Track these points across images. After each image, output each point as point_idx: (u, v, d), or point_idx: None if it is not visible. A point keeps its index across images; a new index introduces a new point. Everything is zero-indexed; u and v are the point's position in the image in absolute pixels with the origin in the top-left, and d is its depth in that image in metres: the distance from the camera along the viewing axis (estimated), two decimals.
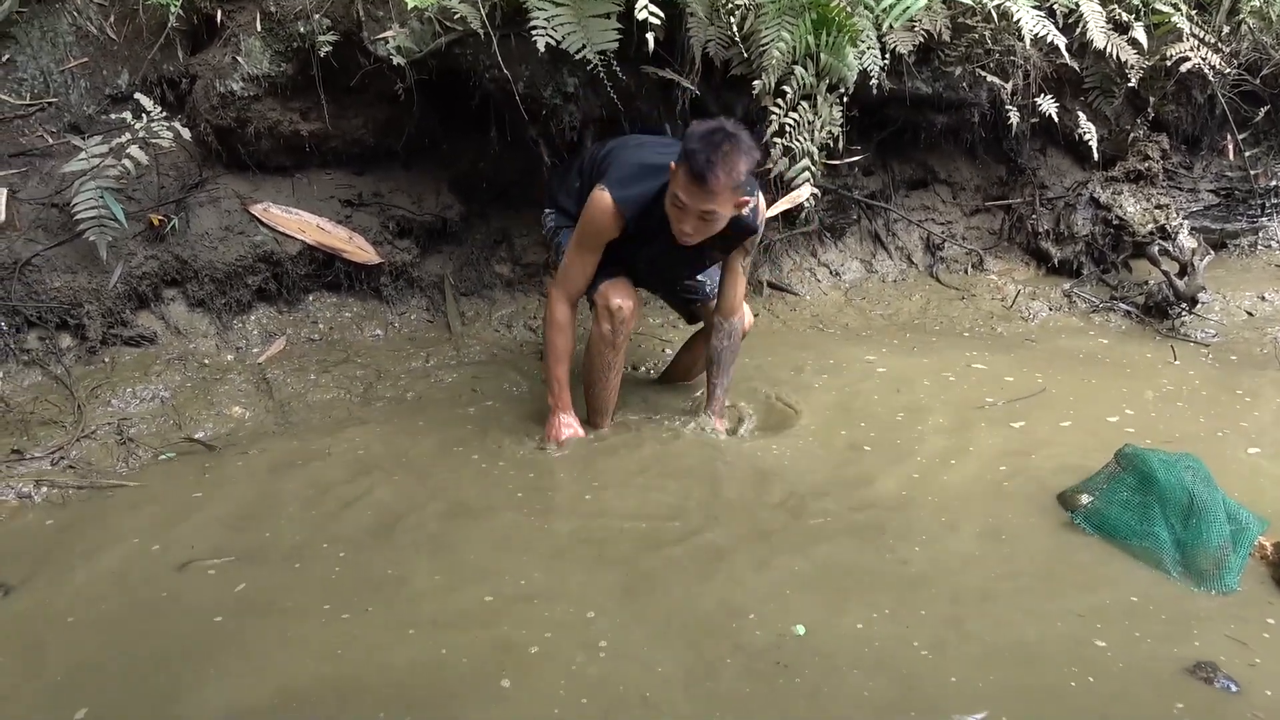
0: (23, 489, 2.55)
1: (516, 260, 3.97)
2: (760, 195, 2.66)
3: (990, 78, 4.00)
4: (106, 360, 3.10)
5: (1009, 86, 4.06)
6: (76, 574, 2.18)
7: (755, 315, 3.93)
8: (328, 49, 3.19)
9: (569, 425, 2.81)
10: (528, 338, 3.72)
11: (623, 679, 1.76)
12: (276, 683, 1.77)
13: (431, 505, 2.44)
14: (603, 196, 2.57)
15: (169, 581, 2.14)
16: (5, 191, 3.12)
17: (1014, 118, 4.05)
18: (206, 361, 3.20)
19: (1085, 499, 2.36)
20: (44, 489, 2.57)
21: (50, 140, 3.34)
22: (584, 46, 3.06)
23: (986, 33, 3.96)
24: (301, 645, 1.89)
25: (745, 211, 2.57)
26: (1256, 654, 1.82)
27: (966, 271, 4.38)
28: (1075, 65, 4.14)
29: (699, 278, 2.98)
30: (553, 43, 3.01)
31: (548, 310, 2.76)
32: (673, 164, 2.47)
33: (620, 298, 2.71)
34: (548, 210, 3.07)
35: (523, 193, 3.96)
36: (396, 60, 3.18)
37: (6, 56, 3.39)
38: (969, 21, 3.93)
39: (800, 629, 1.90)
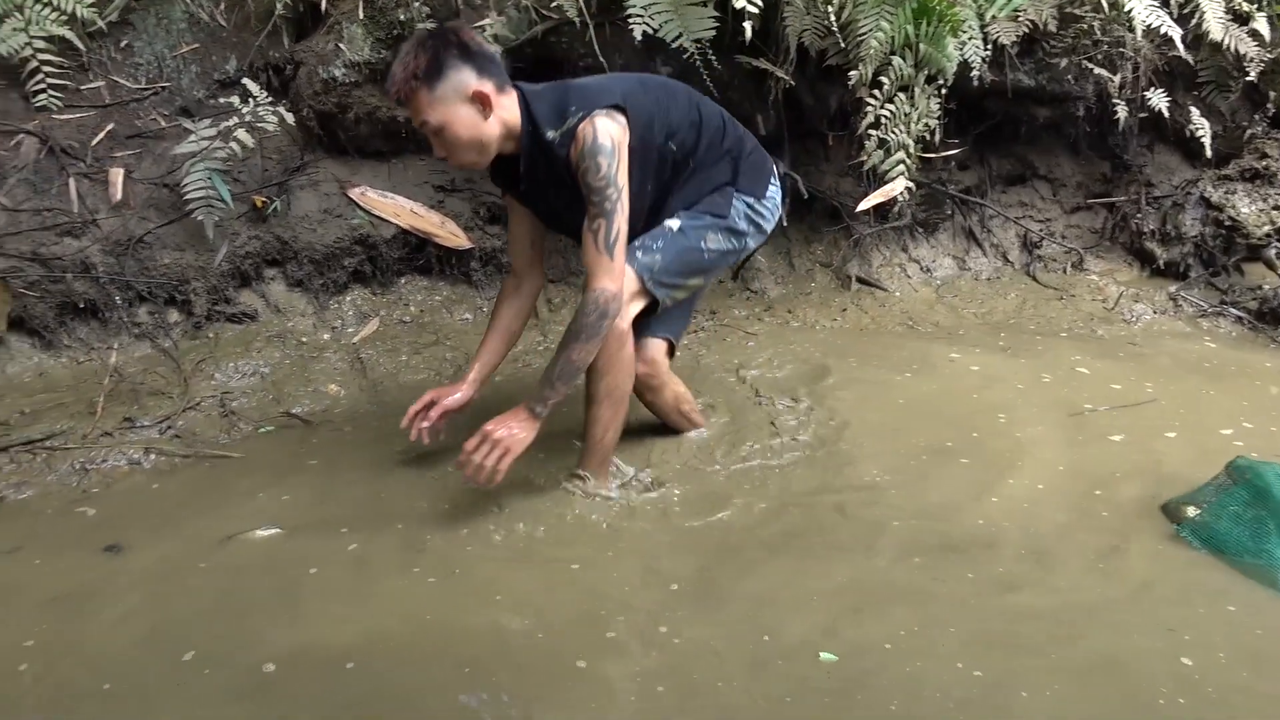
0: (133, 455, 2.67)
1: None
2: (595, 117, 2.10)
3: (1097, 70, 3.86)
4: (210, 335, 3.22)
5: (1117, 79, 3.91)
6: (183, 534, 2.27)
7: (843, 310, 3.89)
8: None
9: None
10: None
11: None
12: (361, 630, 1.86)
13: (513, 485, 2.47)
14: None
15: (268, 544, 2.21)
16: (122, 171, 3.26)
17: (1121, 112, 3.90)
18: (304, 340, 3.30)
19: (1192, 511, 2.26)
20: (152, 456, 2.68)
21: (163, 123, 3.48)
22: (680, 35, 3.05)
23: (1095, 23, 3.82)
24: (389, 600, 1.98)
25: (539, 120, 2.16)
26: None
27: (1065, 271, 4.24)
28: (1189, 58, 3.97)
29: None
30: (649, 31, 3.01)
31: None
32: None
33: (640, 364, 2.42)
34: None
35: None
36: (493, 48, 3.21)
37: (125, 42, 3.54)
38: (1077, 11, 3.80)
39: (830, 656, 1.79)
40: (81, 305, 3.08)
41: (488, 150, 2.20)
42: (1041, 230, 4.36)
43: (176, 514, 2.37)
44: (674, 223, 2.35)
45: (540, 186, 2.29)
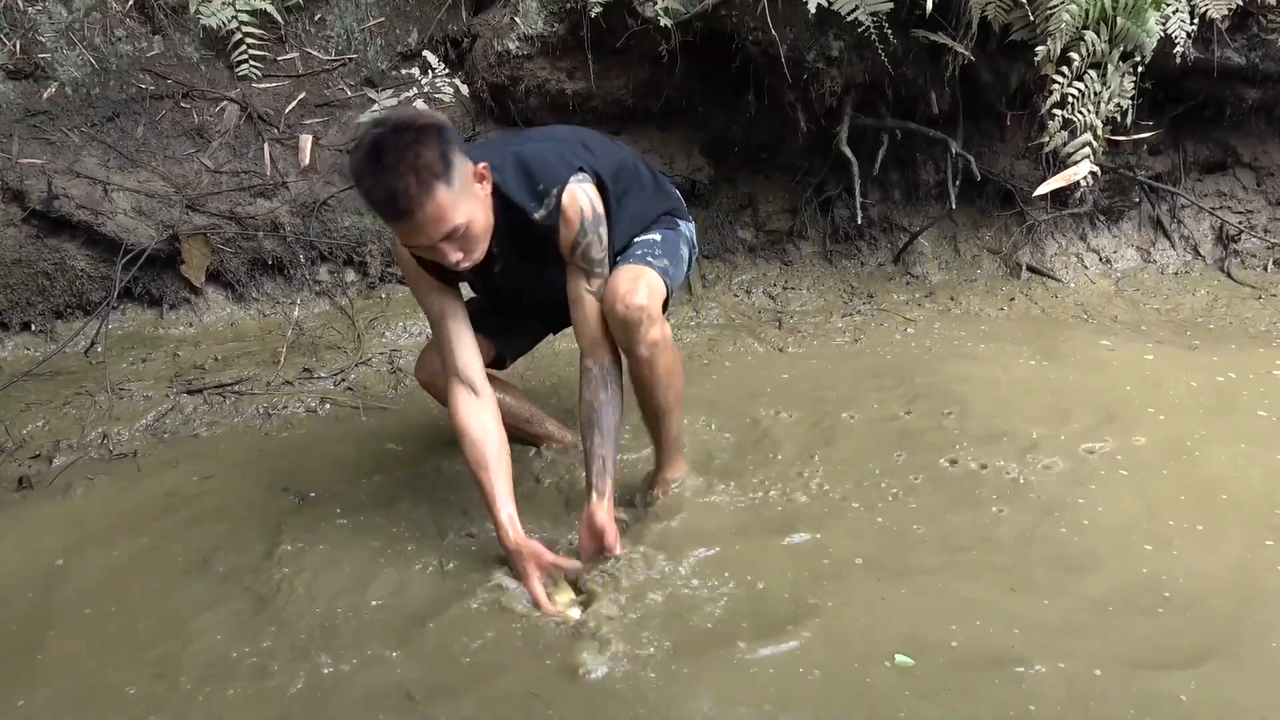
0: (310, 404, 2.86)
1: (760, 226, 3.94)
2: (575, 189, 1.92)
3: None
4: (383, 296, 3.39)
5: None
6: (362, 484, 2.41)
7: (1011, 300, 3.70)
8: (598, 10, 3.28)
9: (531, 556, 1.92)
10: (766, 304, 3.70)
11: None
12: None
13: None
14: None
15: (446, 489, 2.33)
16: (310, 138, 3.48)
17: None
18: None
19: None
20: (327, 405, 2.86)
21: (349, 93, 3.67)
22: (856, 8, 2.97)
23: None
24: None
25: (518, 199, 1.89)
26: None
27: (1266, 268, 3.88)
28: None
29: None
30: (824, 4, 2.94)
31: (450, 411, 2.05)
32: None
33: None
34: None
35: (772, 158, 3.92)
36: (663, 21, 3.22)
37: (318, 16, 3.75)
38: None
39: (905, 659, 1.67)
40: (269, 262, 3.31)
41: (489, 234, 1.86)
42: (1241, 223, 4.00)
43: (355, 465, 2.52)
44: (653, 235, 2.16)
45: (517, 265, 2.03)
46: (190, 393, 2.85)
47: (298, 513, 2.27)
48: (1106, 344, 3.19)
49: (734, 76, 3.54)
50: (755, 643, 1.72)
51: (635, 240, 2.14)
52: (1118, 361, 3.04)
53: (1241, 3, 3.34)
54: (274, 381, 2.92)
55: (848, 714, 1.58)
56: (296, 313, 3.26)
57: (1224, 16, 3.33)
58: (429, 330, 3.22)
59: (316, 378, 2.97)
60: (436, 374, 2.14)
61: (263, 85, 3.58)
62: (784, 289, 3.77)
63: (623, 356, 2.06)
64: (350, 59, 3.76)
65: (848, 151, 3.59)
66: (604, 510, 1.95)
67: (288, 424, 2.76)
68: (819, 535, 2.07)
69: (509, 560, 1.94)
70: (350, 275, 3.42)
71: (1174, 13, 3.18)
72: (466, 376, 2.01)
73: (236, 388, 2.89)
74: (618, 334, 2.01)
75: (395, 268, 3.43)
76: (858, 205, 3.66)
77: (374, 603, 1.92)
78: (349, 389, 2.95)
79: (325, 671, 1.71)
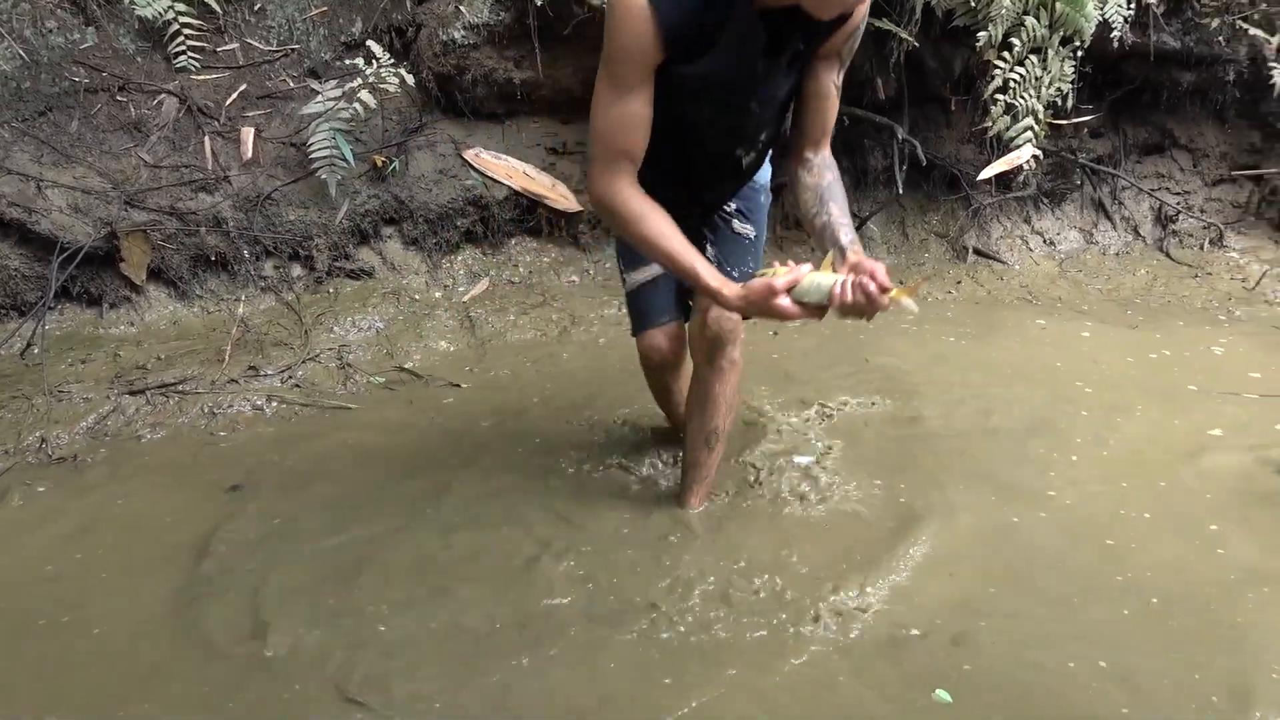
0: (256, 402, 2.81)
1: None
2: None
3: (1253, 31, 3.58)
4: (330, 290, 3.34)
5: (1275, 41, 3.62)
6: (297, 481, 2.39)
7: (958, 283, 3.76)
8: None
9: (763, 292, 1.70)
10: None
11: None
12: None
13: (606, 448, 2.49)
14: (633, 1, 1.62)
15: (386, 491, 2.31)
16: (253, 131, 3.40)
17: (1277, 77, 3.61)
18: (417, 297, 3.40)
19: None
20: (274, 403, 2.81)
21: (291, 84, 3.60)
22: None
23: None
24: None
25: None
26: None
27: (1203, 247, 3.98)
28: None
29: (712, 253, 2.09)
30: None
31: (611, 201, 1.77)
32: None
33: (655, 342, 2.13)
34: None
35: None
36: None
37: (258, 5, 3.67)
38: None
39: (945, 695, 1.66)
40: (213, 258, 3.24)
41: None
42: (1179, 203, 4.10)
43: (295, 459, 2.50)
44: (756, 228, 2.12)
45: (734, 73, 1.76)
46: (132, 393, 2.78)
47: (242, 513, 2.23)
48: (1041, 323, 3.29)
49: None
50: None
51: (750, 236, 2.09)
52: (1053, 339, 3.14)
53: None
54: (219, 380, 2.86)
55: None
56: (241, 309, 3.20)
57: (1160, 1, 3.40)
58: (380, 325, 3.22)
59: (263, 375, 2.92)
60: (620, 189, 1.79)
61: (202, 77, 3.50)
62: None
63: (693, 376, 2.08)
64: (292, 49, 3.68)
65: None
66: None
67: (233, 423, 2.71)
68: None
69: (745, 310, 1.75)
70: (296, 270, 3.37)
71: None
72: (637, 162, 1.78)
73: (180, 387, 2.83)
74: (703, 348, 2.01)
75: (342, 262, 3.39)
76: None
77: (331, 601, 1.90)
78: (297, 386, 2.91)
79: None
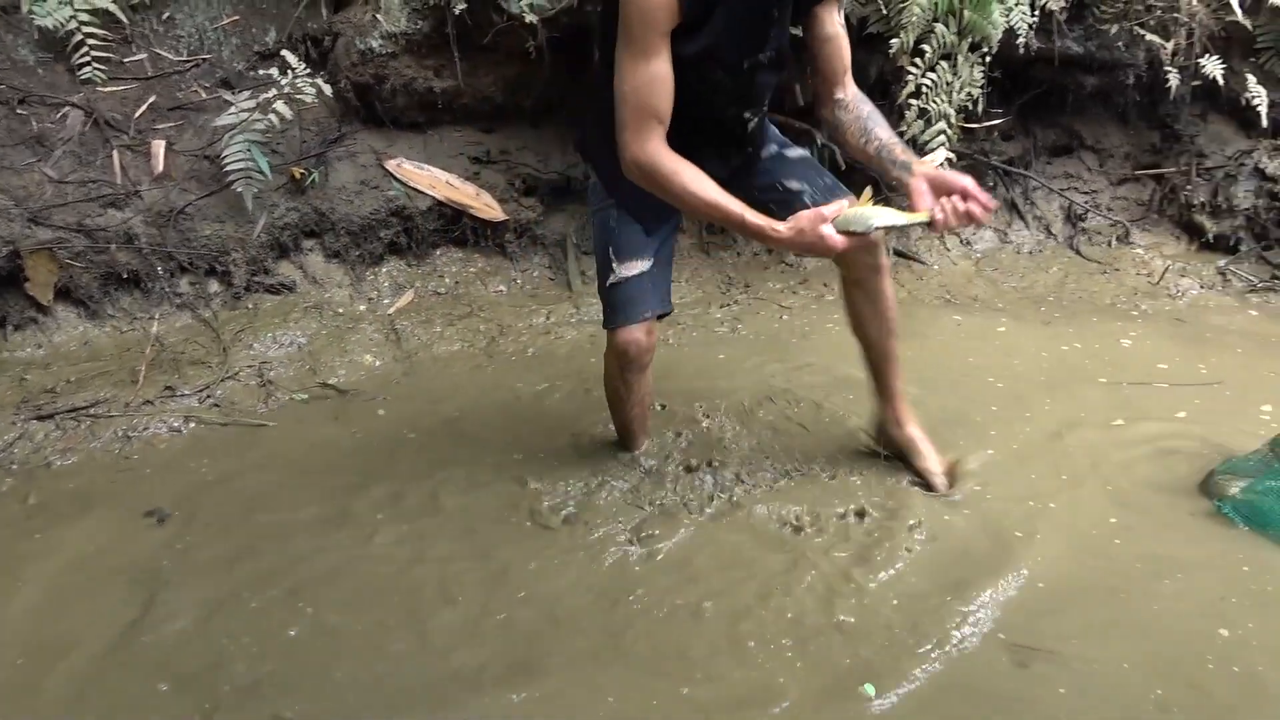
0: (174, 423, 2.72)
1: None
2: None
3: (1149, 36, 3.73)
4: (249, 306, 3.27)
5: (1169, 46, 3.78)
6: (222, 504, 2.32)
7: None
8: (463, 6, 3.23)
9: (813, 222, 1.83)
10: None
11: None
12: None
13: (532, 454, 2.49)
14: None
15: (311, 510, 2.26)
16: (163, 143, 3.31)
17: (1173, 80, 3.77)
18: (340, 311, 3.34)
19: (1235, 488, 2.21)
20: (191, 424, 2.74)
21: (204, 95, 3.52)
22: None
23: None
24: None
25: None
26: None
27: (1110, 244, 4.13)
28: (1247, 23, 3.82)
29: (793, 184, 2.18)
30: None
31: (648, 163, 1.84)
32: None
33: (635, 335, 2.15)
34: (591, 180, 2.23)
35: None
36: (529, 18, 3.20)
37: (167, 15, 3.57)
38: None
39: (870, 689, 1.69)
40: (125, 276, 3.14)
41: None
42: (1087, 202, 4.25)
43: (215, 482, 2.43)
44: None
45: (739, 29, 1.87)
46: (40, 418, 2.68)
47: (162, 539, 2.17)
48: (958, 319, 3.40)
49: None
50: None
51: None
52: (968, 336, 3.25)
53: None
54: (133, 402, 2.77)
55: None
56: (156, 328, 3.11)
57: (1062, 8, 3.54)
58: (302, 340, 3.15)
59: (180, 395, 2.84)
60: (656, 149, 1.85)
61: (109, 89, 3.39)
62: None
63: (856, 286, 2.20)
64: (204, 59, 3.59)
65: None
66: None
67: (149, 446, 2.63)
68: None
69: (794, 246, 1.87)
70: (213, 286, 3.28)
71: (1015, 5, 3.35)
72: (665, 122, 1.85)
73: (92, 411, 2.73)
74: (865, 254, 2.12)
75: (261, 276, 3.31)
76: None
77: (262, 627, 1.85)
78: (216, 406, 2.83)
79: None
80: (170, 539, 2.19)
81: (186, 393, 2.85)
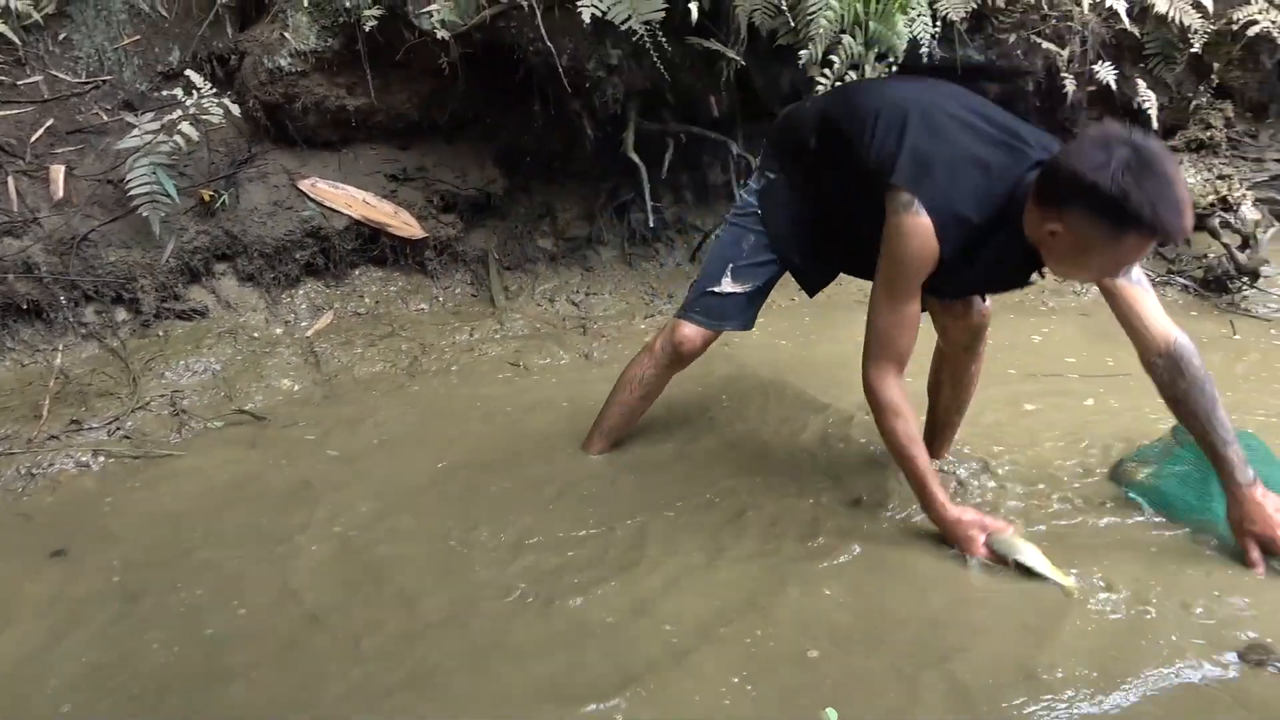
0: (81, 458, 2.62)
1: (560, 234, 3.96)
2: None
3: (1046, 44, 3.88)
4: (160, 333, 3.17)
5: (1065, 54, 3.94)
6: (132, 538, 2.24)
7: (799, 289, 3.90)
8: (373, 23, 3.20)
9: (974, 524, 2.03)
10: (570, 311, 3.72)
11: None
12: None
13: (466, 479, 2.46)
14: (920, 223, 1.84)
15: (230, 542, 2.20)
16: (63, 168, 3.19)
17: (1069, 86, 3.93)
18: (256, 335, 3.26)
19: (1143, 474, 2.30)
20: (100, 458, 2.63)
21: (105, 118, 3.40)
22: (630, 17, 3.03)
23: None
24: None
25: None
26: None
27: None
28: (1135, 31, 4.00)
29: None
30: (598, 14, 2.99)
31: (876, 394, 2.02)
32: (1058, 227, 1.74)
33: (700, 336, 2.30)
34: (749, 184, 2.34)
35: (566, 166, 3.96)
36: (440, 34, 3.17)
37: (63, 35, 3.45)
38: None
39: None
40: (25, 306, 3.02)
41: None
42: None
43: (119, 518, 2.34)
44: None
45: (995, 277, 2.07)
46: None
47: (67, 580, 2.08)
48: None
49: (519, 87, 3.55)
50: None
51: None
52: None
53: (977, 6, 3.67)
54: (37, 437, 2.66)
55: None
56: (60, 359, 2.99)
57: (962, 18, 3.65)
58: (216, 367, 3.05)
59: (87, 429, 2.73)
60: (890, 384, 2.03)
61: (2, 113, 3.26)
62: (587, 295, 3.81)
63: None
64: (104, 81, 3.48)
65: (635, 157, 3.67)
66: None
67: (55, 483, 2.52)
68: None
69: (947, 531, 2.04)
70: (121, 314, 3.17)
71: (918, 16, 3.45)
72: (906, 360, 2.04)
73: None
74: (966, 337, 2.26)
75: (171, 303, 3.21)
76: (649, 209, 3.76)
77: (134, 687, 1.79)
78: (126, 438, 2.73)
79: None
80: (73, 576, 2.10)
81: (94, 425, 2.75)
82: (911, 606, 1.91)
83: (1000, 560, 1.98)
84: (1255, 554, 1.96)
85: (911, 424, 2.03)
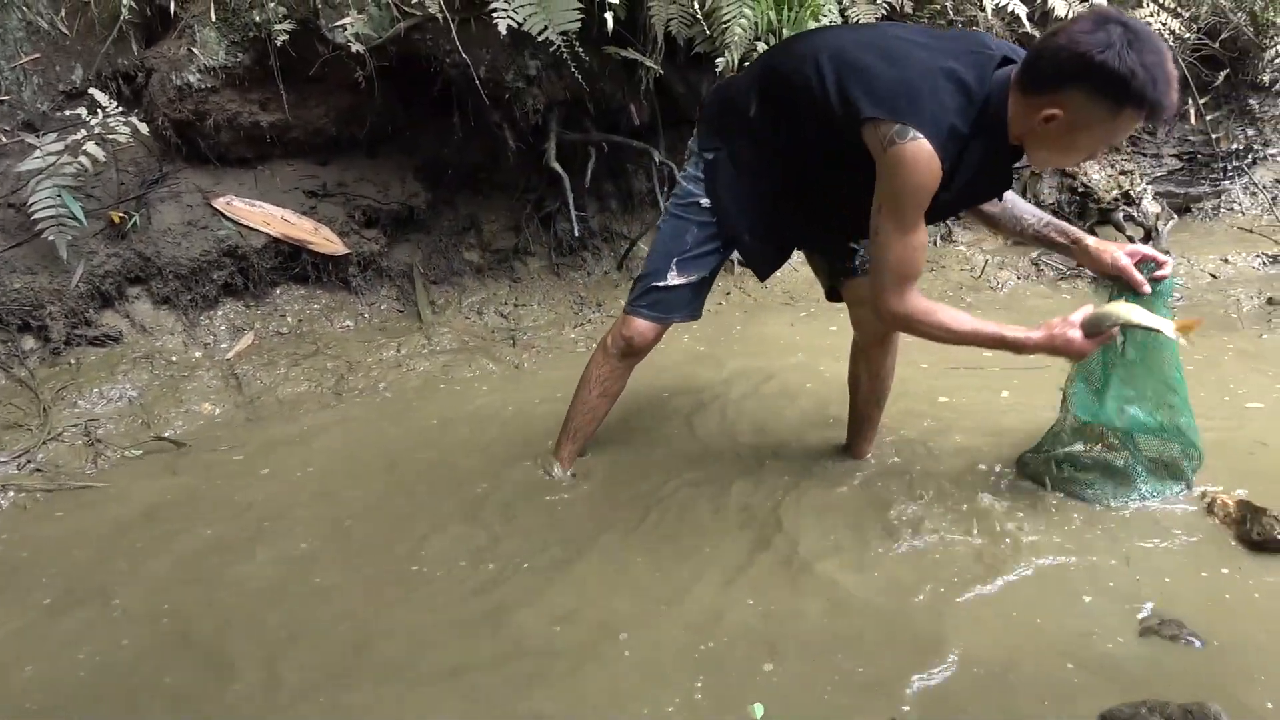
0: None
1: (486, 246, 3.94)
2: None
3: None
4: (71, 361, 3.06)
5: None
6: (42, 577, 2.16)
7: (727, 293, 3.96)
8: (284, 38, 3.15)
9: (1060, 335, 2.03)
10: (499, 324, 3.70)
11: None
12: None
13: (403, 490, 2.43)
14: (922, 148, 1.80)
15: (149, 577, 2.13)
16: None
17: None
18: (174, 359, 3.17)
19: (1031, 458, 2.39)
20: (10, 493, 2.53)
21: (4, 139, 3.28)
22: (546, 28, 3.04)
23: (949, 2, 3.96)
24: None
25: None
26: (1220, 611, 1.85)
27: (935, 243, 4.39)
28: (1037, 34, 4.15)
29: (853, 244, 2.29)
30: (514, 25, 2.99)
31: (907, 314, 2.00)
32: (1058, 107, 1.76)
33: (651, 329, 2.29)
34: (687, 169, 2.27)
35: (489, 177, 3.94)
36: (355, 47, 3.14)
37: None
38: None
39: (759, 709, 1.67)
40: None
41: None
42: None
43: (35, 559, 2.25)
44: None
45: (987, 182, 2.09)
46: None
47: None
48: (800, 317, 3.62)
49: (438, 99, 3.53)
50: None
51: None
52: (800, 336, 3.41)
53: (885, 11, 3.77)
54: None
55: None
56: None
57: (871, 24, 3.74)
58: (132, 393, 2.96)
59: None
60: (913, 303, 2.01)
61: None
62: (515, 306, 3.80)
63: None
64: (2, 101, 3.35)
65: (557, 167, 3.68)
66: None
67: None
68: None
69: (1052, 353, 2.07)
70: (29, 342, 3.05)
71: (830, 23, 3.52)
72: (918, 278, 2.01)
73: None
74: (875, 331, 2.32)
75: (82, 329, 3.10)
76: (573, 218, 3.77)
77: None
78: (38, 470, 2.63)
79: None
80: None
81: (3, 459, 2.64)
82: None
83: (1109, 337, 2.05)
84: (1136, 275, 2.10)
85: (948, 311, 2.06)
